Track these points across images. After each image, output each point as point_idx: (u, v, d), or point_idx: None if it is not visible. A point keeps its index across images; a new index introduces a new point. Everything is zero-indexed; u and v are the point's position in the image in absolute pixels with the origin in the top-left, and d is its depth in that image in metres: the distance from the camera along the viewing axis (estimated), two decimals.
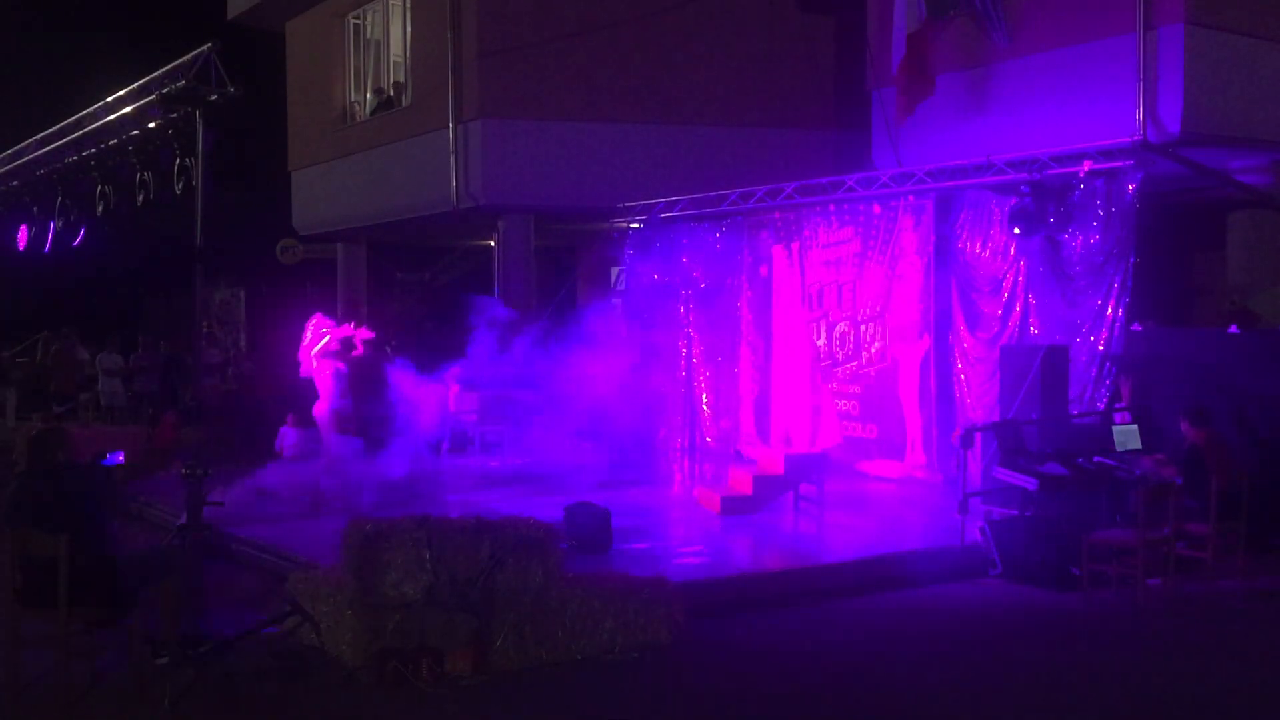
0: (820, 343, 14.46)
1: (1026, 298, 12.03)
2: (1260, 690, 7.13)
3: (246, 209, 30.00)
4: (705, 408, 16.58)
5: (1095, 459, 10.21)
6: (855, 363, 13.92)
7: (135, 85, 10.24)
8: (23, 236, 13.46)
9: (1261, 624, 8.62)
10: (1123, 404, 11.23)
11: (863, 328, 13.80)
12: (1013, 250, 12.12)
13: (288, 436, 15.84)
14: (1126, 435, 10.51)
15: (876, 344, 13.62)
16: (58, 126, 12.28)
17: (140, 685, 6.85)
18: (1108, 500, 10.02)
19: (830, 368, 14.27)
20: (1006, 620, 8.63)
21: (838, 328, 14.18)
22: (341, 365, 11.95)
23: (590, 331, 14.10)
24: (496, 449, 15.94)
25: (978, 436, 11.15)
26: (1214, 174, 13.94)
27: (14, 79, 29.98)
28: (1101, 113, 13.10)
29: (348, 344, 11.91)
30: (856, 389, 13.90)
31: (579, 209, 18.93)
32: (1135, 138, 11.59)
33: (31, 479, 7.02)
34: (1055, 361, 11.09)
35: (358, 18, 22.70)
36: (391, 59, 21.80)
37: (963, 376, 12.73)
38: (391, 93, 21.53)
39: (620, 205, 17.25)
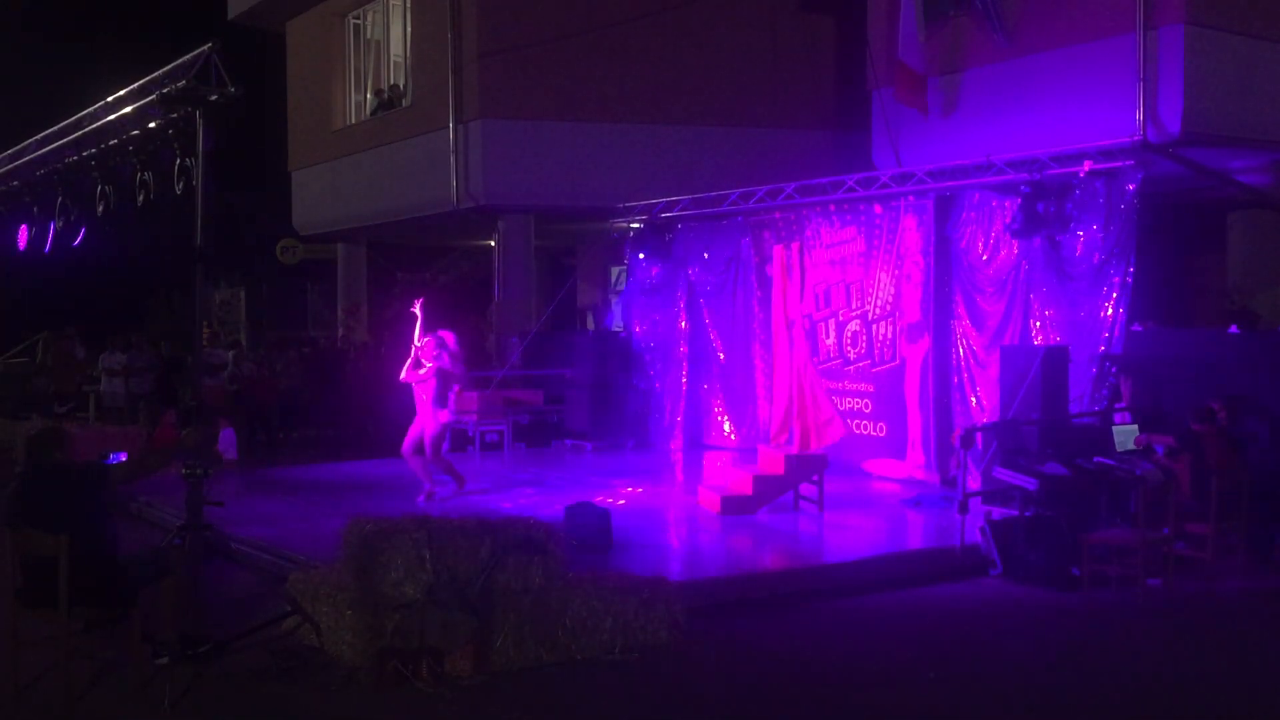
0: (829, 341, 14.46)
1: (1028, 298, 12.03)
2: (1260, 690, 7.13)
3: (246, 209, 30.06)
4: (711, 407, 16.60)
5: (1095, 459, 10.21)
6: (868, 361, 13.92)
7: (135, 85, 10.21)
8: (23, 236, 13.44)
9: (1261, 624, 8.61)
10: (1123, 404, 11.23)
11: (875, 327, 13.81)
12: (1014, 250, 12.12)
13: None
14: (1126, 435, 10.52)
15: (888, 343, 13.63)
16: (58, 126, 12.25)
17: (140, 685, 6.85)
18: (1108, 500, 10.02)
19: (841, 366, 14.28)
20: (1006, 620, 8.63)
21: (849, 327, 14.18)
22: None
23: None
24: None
25: (978, 436, 11.15)
26: (1214, 174, 13.94)
27: (14, 79, 29.99)
28: (1101, 113, 13.10)
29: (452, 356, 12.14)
30: (870, 387, 13.90)
31: (579, 209, 18.94)
32: (1135, 138, 11.59)
33: (31, 479, 7.01)
34: (1055, 361, 11.09)
35: (358, 18, 22.72)
36: (391, 59, 21.82)
37: (966, 376, 12.74)
38: (391, 93, 21.54)
39: (620, 205, 17.26)
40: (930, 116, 14.79)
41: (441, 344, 11.94)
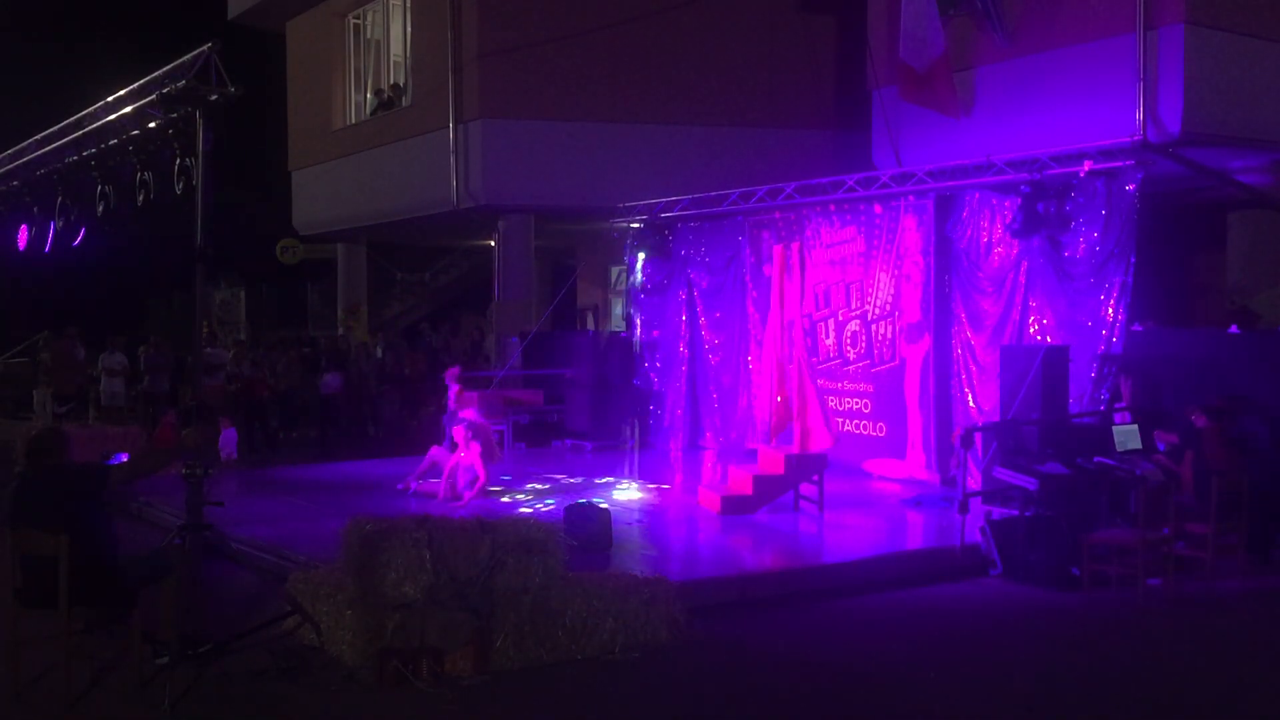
0: (829, 341, 14.45)
1: (1027, 298, 12.03)
2: (1260, 690, 7.14)
3: (246, 209, 30.08)
4: (710, 406, 16.59)
5: (1095, 459, 10.21)
6: (868, 361, 13.92)
7: (135, 85, 10.21)
8: (23, 236, 13.44)
9: (1261, 624, 8.62)
10: (1123, 404, 11.23)
11: (874, 327, 13.80)
12: (1014, 250, 12.12)
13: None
14: (1126, 435, 10.52)
15: (888, 343, 13.63)
16: (58, 126, 12.26)
17: (140, 685, 6.86)
18: (1108, 500, 10.02)
19: (841, 366, 14.28)
20: (1006, 620, 8.63)
21: (849, 327, 14.17)
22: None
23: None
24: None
25: (978, 436, 11.15)
26: (1214, 174, 13.94)
27: (14, 79, 30.01)
28: (1101, 113, 13.10)
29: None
30: (869, 387, 13.90)
31: (579, 209, 18.94)
32: (1135, 138, 11.59)
33: (31, 479, 7.02)
34: (1055, 361, 11.09)
35: (358, 18, 22.73)
36: (391, 59, 21.83)
37: (965, 376, 12.74)
38: (391, 93, 21.54)
39: (620, 205, 17.26)
40: (931, 116, 14.76)
41: (470, 430, 12.48)
